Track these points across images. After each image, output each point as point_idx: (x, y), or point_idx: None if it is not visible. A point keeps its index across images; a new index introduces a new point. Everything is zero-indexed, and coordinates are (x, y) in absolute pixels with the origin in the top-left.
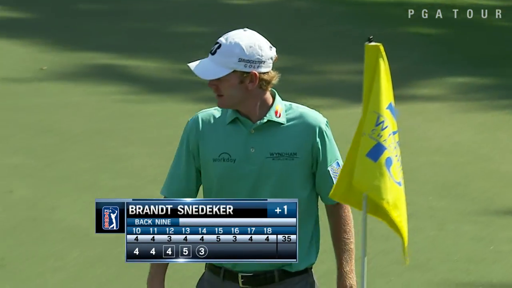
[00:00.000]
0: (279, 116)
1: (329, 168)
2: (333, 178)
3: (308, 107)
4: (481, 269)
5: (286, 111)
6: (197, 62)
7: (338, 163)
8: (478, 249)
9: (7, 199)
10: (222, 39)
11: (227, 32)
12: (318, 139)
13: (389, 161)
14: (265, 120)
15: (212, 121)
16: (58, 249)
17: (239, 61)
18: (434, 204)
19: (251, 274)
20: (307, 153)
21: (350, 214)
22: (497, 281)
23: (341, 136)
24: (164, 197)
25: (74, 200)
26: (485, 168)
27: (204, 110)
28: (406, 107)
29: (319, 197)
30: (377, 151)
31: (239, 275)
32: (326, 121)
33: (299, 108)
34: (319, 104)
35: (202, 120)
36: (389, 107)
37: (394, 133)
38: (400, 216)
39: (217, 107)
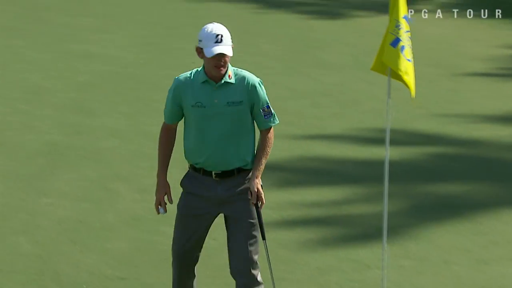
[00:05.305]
0: (230, 78)
1: (260, 109)
2: (263, 116)
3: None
4: None
5: (234, 75)
6: (220, 48)
7: (268, 106)
8: None
9: None
10: (220, 32)
11: (209, 26)
12: (253, 92)
13: (402, 47)
14: (222, 82)
15: (188, 81)
16: None
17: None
18: None
19: (220, 172)
20: (247, 100)
21: (272, 137)
22: None
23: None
24: (167, 123)
25: None
26: None
27: (181, 74)
28: None
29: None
30: (395, 42)
31: (213, 172)
32: (259, 81)
33: (242, 72)
34: (363, 15)
35: (181, 81)
36: (404, 17)
37: (407, 32)
38: (410, 79)
39: (188, 73)
